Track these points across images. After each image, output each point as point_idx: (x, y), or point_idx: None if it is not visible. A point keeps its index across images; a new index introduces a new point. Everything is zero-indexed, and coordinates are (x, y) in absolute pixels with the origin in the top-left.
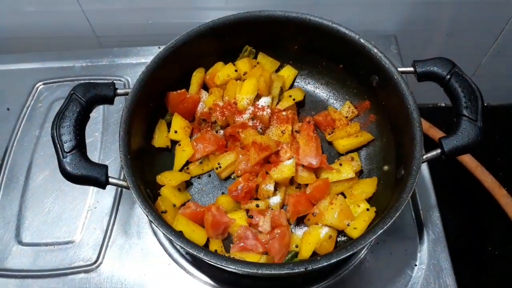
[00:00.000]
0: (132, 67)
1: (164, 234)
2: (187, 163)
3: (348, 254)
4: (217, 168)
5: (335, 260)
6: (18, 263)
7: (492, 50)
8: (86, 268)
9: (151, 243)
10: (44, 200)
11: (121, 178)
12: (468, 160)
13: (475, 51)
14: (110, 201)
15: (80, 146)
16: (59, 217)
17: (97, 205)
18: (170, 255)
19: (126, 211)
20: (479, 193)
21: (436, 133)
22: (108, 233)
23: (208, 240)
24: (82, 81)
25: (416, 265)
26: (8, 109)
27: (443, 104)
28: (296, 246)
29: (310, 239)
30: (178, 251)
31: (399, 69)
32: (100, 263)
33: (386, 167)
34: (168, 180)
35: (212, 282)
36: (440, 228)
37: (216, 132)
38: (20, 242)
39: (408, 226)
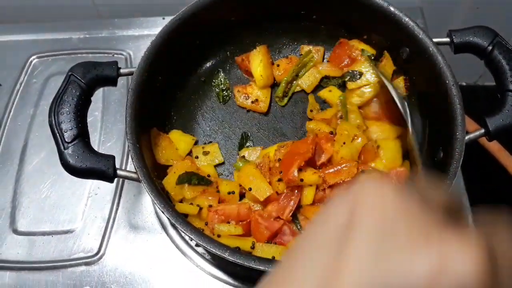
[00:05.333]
0: (135, 39)
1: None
2: None
3: None
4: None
5: None
6: (14, 254)
7: None
8: (87, 260)
9: (157, 233)
10: (41, 185)
11: (127, 168)
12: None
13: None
14: (112, 187)
15: (82, 134)
16: (57, 203)
17: (98, 191)
18: (178, 246)
19: (130, 198)
20: (503, 180)
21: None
22: (111, 222)
23: None
24: (79, 55)
25: None
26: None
27: (463, 83)
28: None
29: None
30: (187, 243)
31: (434, 39)
32: (102, 255)
33: None
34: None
35: (224, 277)
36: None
37: None
38: (15, 231)
39: None
